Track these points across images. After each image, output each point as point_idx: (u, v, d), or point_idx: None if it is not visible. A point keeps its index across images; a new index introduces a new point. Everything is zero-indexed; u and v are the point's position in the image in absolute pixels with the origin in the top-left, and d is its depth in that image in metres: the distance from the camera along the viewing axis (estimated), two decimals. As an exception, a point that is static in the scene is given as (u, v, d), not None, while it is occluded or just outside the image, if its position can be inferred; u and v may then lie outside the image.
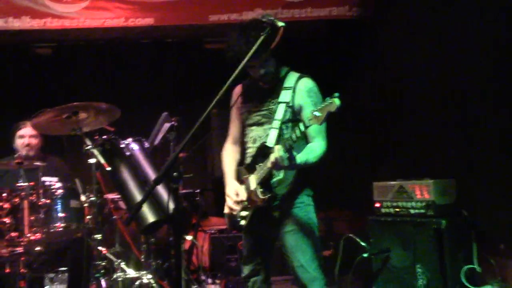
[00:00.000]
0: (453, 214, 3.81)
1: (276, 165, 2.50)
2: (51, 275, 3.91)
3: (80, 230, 3.59)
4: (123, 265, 3.94)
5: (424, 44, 4.61)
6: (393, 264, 3.95)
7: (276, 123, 2.73)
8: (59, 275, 3.92)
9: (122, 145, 3.82)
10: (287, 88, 2.76)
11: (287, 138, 2.51)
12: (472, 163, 4.08)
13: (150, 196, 3.49)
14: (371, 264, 4.11)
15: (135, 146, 3.87)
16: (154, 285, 3.79)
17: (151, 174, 3.78)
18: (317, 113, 2.32)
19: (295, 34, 5.32)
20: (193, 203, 4.87)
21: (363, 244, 4.20)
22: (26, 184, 3.43)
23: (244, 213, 2.79)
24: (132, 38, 5.88)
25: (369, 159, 5.57)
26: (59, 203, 3.51)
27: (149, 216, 3.51)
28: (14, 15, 5.26)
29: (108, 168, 3.48)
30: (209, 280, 4.58)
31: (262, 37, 2.47)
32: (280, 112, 2.73)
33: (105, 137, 3.71)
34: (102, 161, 3.45)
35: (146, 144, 4.03)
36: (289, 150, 2.47)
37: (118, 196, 4.06)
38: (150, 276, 3.84)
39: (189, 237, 4.48)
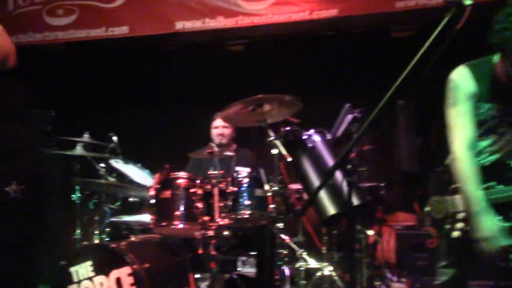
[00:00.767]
0: None
1: None
2: (243, 258, 4.15)
3: (264, 218, 3.73)
4: (305, 255, 3.97)
5: None
6: None
7: None
8: (250, 259, 4.14)
9: (305, 137, 3.84)
10: None
11: None
12: None
13: (332, 189, 3.46)
14: None
15: (317, 138, 3.85)
16: (335, 277, 3.76)
17: (333, 166, 3.74)
18: None
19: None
20: (378, 197, 4.72)
21: None
22: (216, 172, 3.69)
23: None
24: (315, 30, 5.91)
25: None
26: (246, 192, 3.67)
27: (330, 209, 3.49)
28: (210, 15, 5.72)
29: (289, 159, 3.54)
30: (394, 278, 4.40)
31: (446, 18, 2.23)
32: None
33: (287, 128, 3.78)
34: (284, 152, 3.52)
35: (329, 136, 4.01)
36: None
37: (301, 187, 4.12)
38: (331, 268, 3.82)
39: (370, 232, 4.35)
